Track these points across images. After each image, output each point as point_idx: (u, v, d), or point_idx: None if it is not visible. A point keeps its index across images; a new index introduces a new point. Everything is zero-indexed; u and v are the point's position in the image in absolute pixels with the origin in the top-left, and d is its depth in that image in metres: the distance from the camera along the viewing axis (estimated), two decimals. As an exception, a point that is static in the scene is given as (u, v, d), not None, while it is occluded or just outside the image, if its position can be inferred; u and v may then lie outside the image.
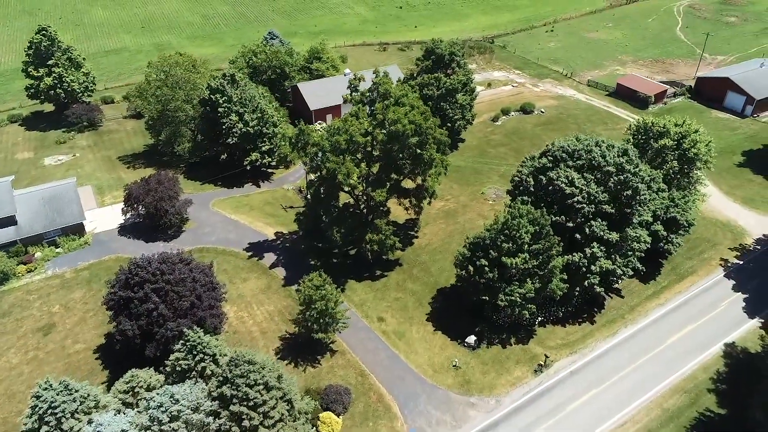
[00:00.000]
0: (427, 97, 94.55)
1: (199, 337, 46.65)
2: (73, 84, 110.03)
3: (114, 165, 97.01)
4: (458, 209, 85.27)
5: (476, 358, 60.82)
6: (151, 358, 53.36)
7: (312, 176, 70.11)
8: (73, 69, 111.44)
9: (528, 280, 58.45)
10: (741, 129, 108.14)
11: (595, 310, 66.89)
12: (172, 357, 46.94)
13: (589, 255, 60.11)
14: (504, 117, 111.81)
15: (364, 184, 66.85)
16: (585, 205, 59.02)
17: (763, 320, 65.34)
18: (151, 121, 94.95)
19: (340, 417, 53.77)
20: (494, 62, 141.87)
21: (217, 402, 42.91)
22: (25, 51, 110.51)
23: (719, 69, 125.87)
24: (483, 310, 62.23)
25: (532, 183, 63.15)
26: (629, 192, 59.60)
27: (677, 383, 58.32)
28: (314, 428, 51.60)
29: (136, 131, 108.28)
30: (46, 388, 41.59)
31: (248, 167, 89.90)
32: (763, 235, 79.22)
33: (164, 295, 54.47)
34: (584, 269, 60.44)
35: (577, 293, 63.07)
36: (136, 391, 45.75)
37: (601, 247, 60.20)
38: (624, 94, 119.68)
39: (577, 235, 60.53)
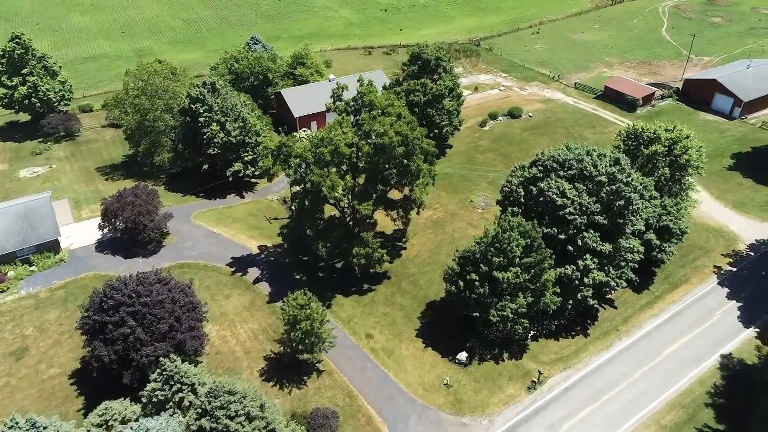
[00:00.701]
0: (414, 104, 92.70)
1: (176, 366, 44.30)
2: (48, 93, 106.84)
3: (92, 176, 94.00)
4: (447, 218, 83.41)
5: (468, 375, 58.90)
6: (129, 385, 50.90)
7: (296, 188, 67.89)
8: (48, 77, 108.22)
9: (520, 294, 56.70)
10: (729, 131, 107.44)
11: (588, 322, 65.29)
12: (148, 387, 44.54)
13: (582, 267, 58.47)
14: (492, 122, 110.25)
15: (349, 197, 64.75)
16: (577, 217, 57.39)
17: (758, 330, 64.15)
18: (129, 131, 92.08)
19: (328, 442, 51.62)
20: (480, 65, 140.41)
21: (196, 435, 40.64)
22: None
23: (706, 71, 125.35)
24: (474, 325, 60.39)
25: (523, 193, 61.41)
26: (622, 202, 58.06)
27: (674, 398, 56.82)
28: (301, 456, 49.41)
29: (115, 141, 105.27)
30: (11, 427, 39.00)
31: (231, 178, 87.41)
32: (756, 240, 78.18)
33: (141, 319, 51.97)
34: (577, 282, 58.80)
35: (570, 306, 61.42)
36: (110, 424, 43.29)
37: (594, 259, 58.63)
38: (612, 97, 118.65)
39: (570, 247, 58.88)
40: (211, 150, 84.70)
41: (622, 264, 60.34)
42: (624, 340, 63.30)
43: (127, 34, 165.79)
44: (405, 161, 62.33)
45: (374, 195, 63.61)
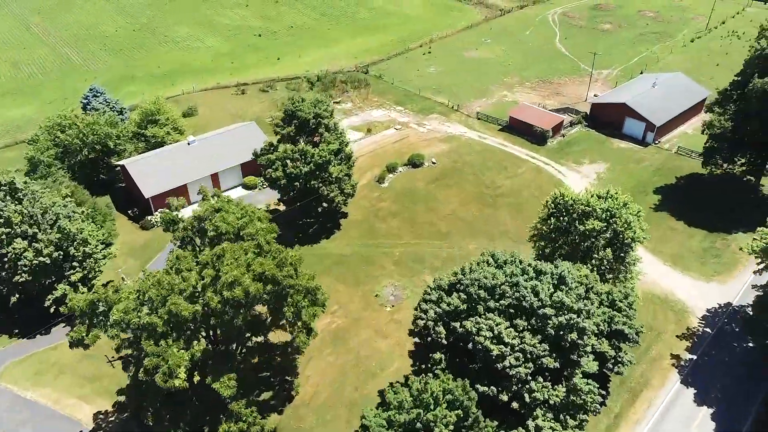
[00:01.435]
0: (293, 177, 74.34)
1: None
2: None
3: None
4: (349, 326, 65.90)
5: None
6: None
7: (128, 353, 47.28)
8: None
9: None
10: (646, 160, 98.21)
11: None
12: None
13: (533, 428, 43.09)
14: (390, 175, 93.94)
15: (198, 372, 45.30)
16: (521, 369, 41.80)
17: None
18: None
19: None
20: (371, 98, 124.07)
21: None
22: None
23: (612, 91, 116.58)
24: None
25: (444, 333, 44.97)
26: (574, 335, 43.24)
27: None
28: None
29: None
30: None
31: (53, 306, 64.58)
32: (707, 310, 67.31)
33: None
34: (529, 448, 43.51)
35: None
36: None
37: (548, 414, 43.46)
38: (519, 129, 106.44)
39: (514, 404, 43.28)
40: (18, 277, 61.63)
41: (581, 410, 45.64)
42: (590, 494, 49.06)
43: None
44: (276, 306, 43.94)
45: (238, 357, 44.60)
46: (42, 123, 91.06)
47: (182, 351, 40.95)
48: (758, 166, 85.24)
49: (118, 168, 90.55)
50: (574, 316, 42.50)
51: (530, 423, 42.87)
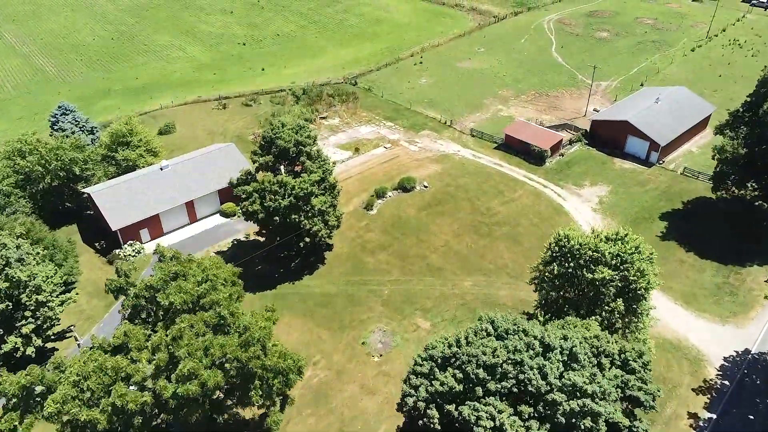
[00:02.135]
0: (272, 211, 68.06)
1: None
2: None
3: None
4: (332, 381, 59.68)
5: None
6: None
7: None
8: None
9: None
10: (651, 183, 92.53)
11: None
12: None
13: None
14: (379, 201, 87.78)
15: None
16: (527, 466, 35.86)
17: None
18: None
19: None
20: (360, 112, 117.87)
21: None
22: None
23: (612, 107, 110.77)
24: None
25: (437, 418, 38.87)
26: (587, 422, 37.25)
27: None
28: None
29: None
30: None
31: (3, 362, 58.02)
32: (724, 358, 61.66)
33: None
34: None
35: None
36: None
37: None
38: (515, 148, 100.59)
39: (519, 503, 37.30)
40: (-41, 331, 55.15)
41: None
42: None
43: None
44: (240, 386, 37.68)
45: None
46: (2, 148, 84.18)
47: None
48: (771, 191, 79.88)
49: (86, 196, 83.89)
50: (588, 401, 36.60)
51: None
